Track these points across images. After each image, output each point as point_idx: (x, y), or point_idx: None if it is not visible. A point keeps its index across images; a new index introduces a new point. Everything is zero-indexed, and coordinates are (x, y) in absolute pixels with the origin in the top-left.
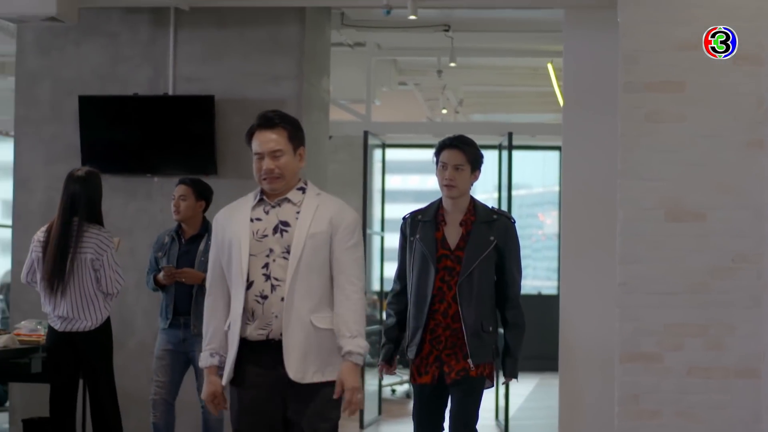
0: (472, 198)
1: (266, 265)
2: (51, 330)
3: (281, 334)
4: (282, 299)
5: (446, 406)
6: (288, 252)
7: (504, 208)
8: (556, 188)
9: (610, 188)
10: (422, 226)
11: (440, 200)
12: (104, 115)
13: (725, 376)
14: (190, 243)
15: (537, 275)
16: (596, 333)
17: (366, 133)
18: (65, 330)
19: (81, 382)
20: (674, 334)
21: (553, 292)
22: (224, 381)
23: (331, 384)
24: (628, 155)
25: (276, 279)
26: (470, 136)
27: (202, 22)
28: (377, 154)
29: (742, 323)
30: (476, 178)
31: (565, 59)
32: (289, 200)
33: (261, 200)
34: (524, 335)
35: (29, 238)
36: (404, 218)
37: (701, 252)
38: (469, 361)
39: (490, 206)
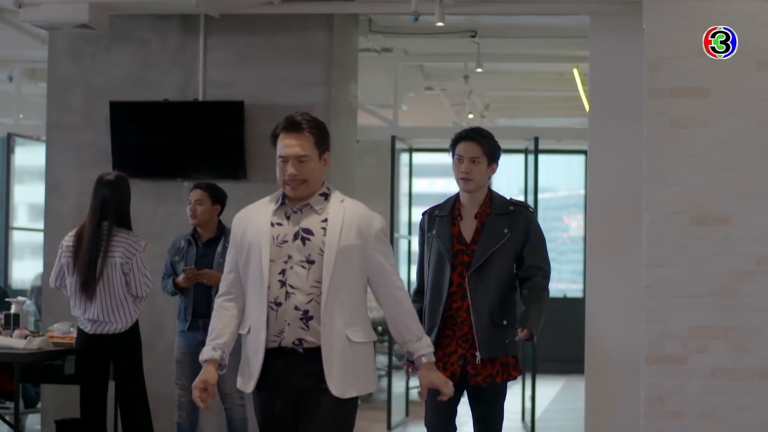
0: (489, 190)
1: (283, 272)
2: (81, 332)
3: (293, 343)
4: (296, 308)
5: (458, 403)
6: (308, 261)
7: None
8: (581, 191)
9: (635, 192)
10: (439, 221)
11: (458, 194)
12: (135, 120)
13: (749, 378)
14: (207, 246)
15: (562, 278)
16: (622, 335)
17: (393, 138)
18: (95, 332)
19: (112, 383)
20: (698, 337)
21: (579, 295)
22: (250, 388)
23: (352, 400)
24: (654, 160)
25: (291, 287)
26: (497, 140)
27: (231, 28)
28: (404, 158)
29: (765, 326)
30: (493, 171)
31: (590, 65)
32: (311, 207)
33: (282, 204)
34: (544, 306)
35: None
36: (423, 214)
37: (725, 255)
38: (477, 354)
39: (508, 198)
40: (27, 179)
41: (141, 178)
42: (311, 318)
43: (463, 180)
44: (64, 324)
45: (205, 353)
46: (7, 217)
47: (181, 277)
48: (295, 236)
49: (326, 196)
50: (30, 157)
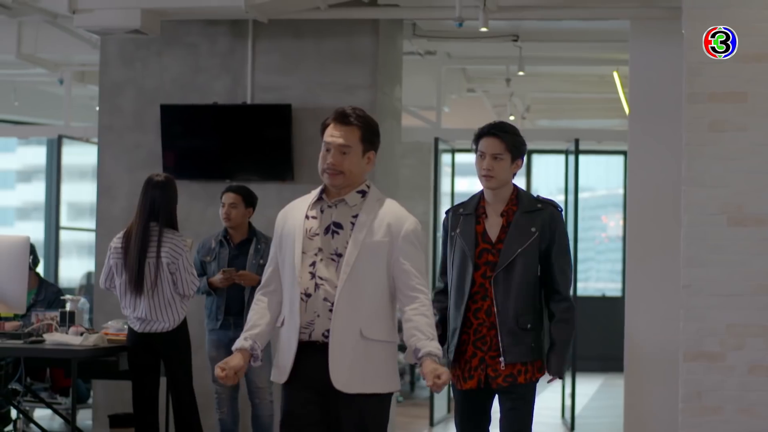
0: (515, 187)
1: (313, 264)
2: (131, 331)
3: (323, 335)
4: (324, 299)
5: (491, 408)
6: (336, 254)
7: (570, 212)
8: (619, 191)
9: (674, 194)
10: (463, 219)
11: (482, 192)
12: (185, 123)
13: None
14: (239, 248)
15: (600, 277)
16: (660, 333)
17: (436, 140)
18: (144, 331)
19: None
20: (736, 334)
21: (617, 294)
22: (282, 379)
23: (375, 397)
24: (693, 163)
25: (321, 278)
26: (538, 142)
27: (279, 33)
28: (445, 158)
29: None
30: (518, 167)
31: (631, 69)
32: (345, 202)
33: (320, 198)
34: (573, 332)
35: None
36: (446, 212)
37: (762, 255)
38: (501, 359)
39: (535, 195)
40: (67, 178)
41: (190, 179)
42: None
43: (485, 177)
44: (118, 321)
45: (237, 342)
46: (57, 218)
47: (218, 277)
48: (326, 230)
49: (364, 194)
50: (71, 157)
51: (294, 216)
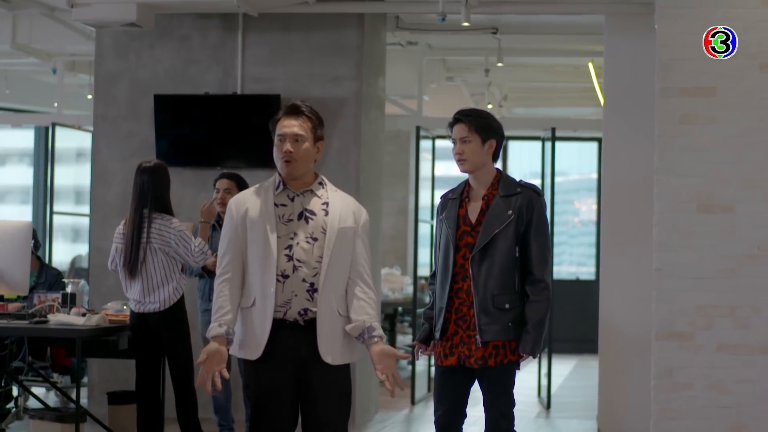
0: (499, 171)
1: (289, 247)
2: (131, 311)
3: (298, 314)
4: (303, 280)
5: (470, 387)
6: (312, 238)
7: (546, 198)
8: (592, 176)
9: (646, 183)
10: (450, 204)
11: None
12: (177, 112)
13: (751, 353)
14: None
15: (573, 261)
16: (633, 314)
17: (418, 129)
18: (139, 311)
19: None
20: (705, 315)
21: (590, 277)
22: (256, 356)
23: (346, 366)
24: (664, 154)
25: (298, 260)
26: (514, 130)
27: (268, 26)
28: (424, 144)
29: (766, 305)
30: (492, 148)
31: (605, 62)
32: (312, 191)
33: (285, 188)
34: (547, 312)
35: (106, 228)
36: (440, 198)
37: (730, 241)
38: (477, 338)
39: (517, 180)
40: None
41: (182, 166)
42: (316, 290)
43: (458, 162)
44: (117, 303)
45: (213, 329)
46: (51, 203)
47: (210, 261)
48: (300, 216)
49: (323, 184)
50: (58, 142)
51: (257, 203)
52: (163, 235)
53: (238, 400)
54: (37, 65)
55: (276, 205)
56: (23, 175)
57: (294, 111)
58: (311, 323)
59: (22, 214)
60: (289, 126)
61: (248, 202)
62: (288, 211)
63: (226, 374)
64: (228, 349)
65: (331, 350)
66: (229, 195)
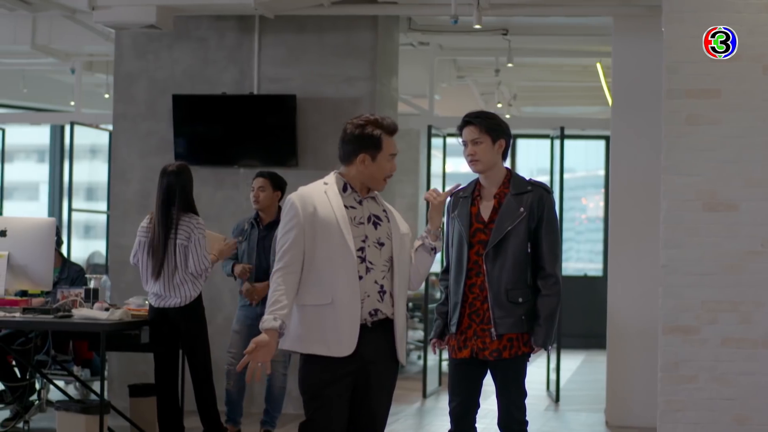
0: (510, 171)
1: (362, 249)
2: (150, 305)
3: (369, 314)
4: (375, 282)
5: (482, 379)
6: (379, 243)
7: (555, 196)
8: (599, 172)
9: (653, 181)
10: (461, 202)
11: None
12: (195, 112)
13: (753, 347)
14: (267, 229)
15: (581, 257)
16: (640, 310)
17: (429, 128)
18: (159, 306)
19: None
20: (710, 310)
21: (598, 273)
22: (344, 352)
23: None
24: (671, 153)
25: (370, 263)
26: (523, 128)
27: (284, 28)
28: (436, 141)
29: None
30: (502, 147)
31: (613, 63)
32: (375, 199)
33: (353, 191)
34: (558, 306)
35: (125, 225)
36: (451, 196)
37: (734, 238)
38: (492, 331)
39: (527, 178)
40: (62, 161)
41: (200, 165)
42: (385, 292)
43: (471, 163)
44: (139, 298)
45: (267, 321)
46: (70, 200)
47: (239, 268)
48: (368, 219)
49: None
50: (66, 140)
51: (326, 202)
52: (190, 232)
53: (253, 395)
54: (54, 65)
55: (346, 206)
56: (31, 171)
57: (396, 129)
58: (378, 325)
59: (30, 210)
60: (395, 146)
61: (315, 201)
62: (358, 213)
63: (268, 368)
64: (278, 344)
65: (401, 350)
66: (262, 192)
